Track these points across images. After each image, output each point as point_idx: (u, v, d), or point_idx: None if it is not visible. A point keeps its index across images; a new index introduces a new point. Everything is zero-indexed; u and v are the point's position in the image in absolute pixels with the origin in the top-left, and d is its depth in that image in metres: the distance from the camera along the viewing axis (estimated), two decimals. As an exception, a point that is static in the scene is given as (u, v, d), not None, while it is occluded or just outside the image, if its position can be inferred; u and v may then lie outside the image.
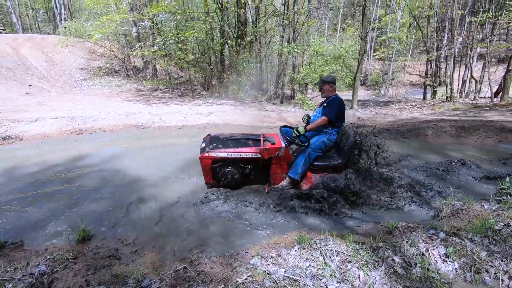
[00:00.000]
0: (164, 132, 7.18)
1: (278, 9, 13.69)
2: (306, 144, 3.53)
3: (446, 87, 12.99)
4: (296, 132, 3.49)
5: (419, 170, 4.56)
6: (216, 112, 8.98)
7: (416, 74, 26.07)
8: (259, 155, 3.47)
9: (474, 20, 12.61)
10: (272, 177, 3.68)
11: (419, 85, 23.76)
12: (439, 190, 3.84)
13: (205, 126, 7.65)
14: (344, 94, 21.38)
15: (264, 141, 3.64)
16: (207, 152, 3.42)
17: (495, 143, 6.04)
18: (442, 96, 13.84)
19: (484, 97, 12.34)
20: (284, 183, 3.63)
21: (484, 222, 2.46)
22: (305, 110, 10.73)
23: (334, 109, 3.52)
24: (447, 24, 14.98)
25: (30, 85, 12.14)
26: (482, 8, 11.99)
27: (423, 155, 5.43)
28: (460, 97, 13.19)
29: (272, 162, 3.60)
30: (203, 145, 3.64)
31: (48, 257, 2.21)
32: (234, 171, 3.52)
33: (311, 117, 3.90)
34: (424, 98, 16.15)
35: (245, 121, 8.24)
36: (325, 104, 3.63)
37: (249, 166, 3.59)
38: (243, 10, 11.67)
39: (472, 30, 13.42)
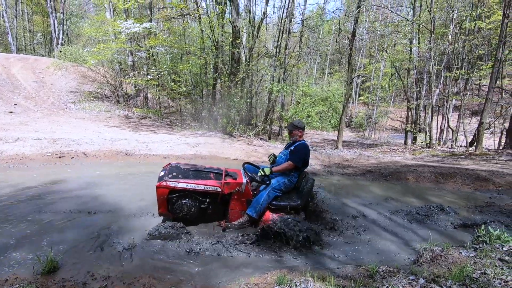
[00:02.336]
0: (149, 160, 7.08)
1: (270, 51, 14.54)
2: (267, 182, 3.55)
3: (425, 134, 13.68)
4: (262, 172, 3.53)
5: (400, 213, 4.63)
6: (204, 144, 9.01)
7: (397, 120, 27.43)
8: (219, 189, 3.39)
9: (449, 75, 13.72)
10: (230, 213, 3.56)
11: (400, 130, 24.88)
12: (419, 234, 3.89)
13: (192, 157, 7.62)
14: (330, 135, 22.09)
15: (226, 175, 3.59)
16: (165, 181, 3.26)
17: (471, 191, 6.26)
18: (422, 142, 14.49)
19: (460, 146, 13.01)
20: (241, 220, 3.53)
21: (462, 270, 2.48)
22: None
23: (301, 155, 3.65)
24: (425, 77, 16.19)
25: (16, 104, 11.94)
26: (455, 65, 13.13)
27: (404, 198, 5.54)
28: (439, 144, 13.84)
29: (232, 198, 3.51)
30: (162, 173, 3.49)
31: (7, 289, 2.04)
32: (191, 204, 3.35)
33: (277, 157, 3.98)
34: (405, 143, 16.83)
35: (232, 155, 8.27)
36: (292, 148, 3.73)
37: (208, 200, 3.45)
38: (237, 49, 12.30)
39: (447, 84, 14.54)
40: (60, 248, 2.85)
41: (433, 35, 12.71)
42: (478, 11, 12.79)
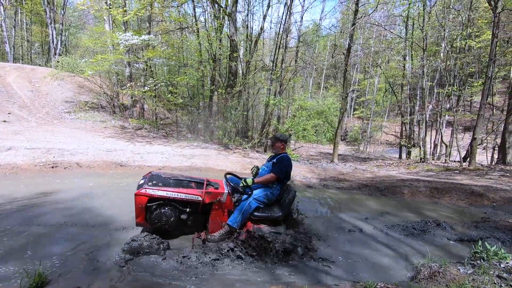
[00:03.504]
0: (144, 171, 6.97)
1: (267, 65, 14.74)
2: (249, 193, 3.53)
3: (420, 149, 13.83)
4: (244, 182, 3.52)
5: (396, 228, 4.60)
6: (199, 156, 8.95)
7: (392, 134, 27.74)
8: (199, 198, 3.31)
9: (442, 91, 14.03)
10: (210, 224, 3.46)
11: (395, 145, 25.12)
12: (416, 249, 3.86)
13: (187, 169, 7.55)
14: (325, 148, 22.18)
15: (207, 185, 3.55)
16: (145, 188, 3.18)
17: (466, 206, 6.27)
18: (416, 156, 14.62)
19: (454, 161, 13.14)
20: (222, 231, 3.44)
21: (460, 287, 2.44)
22: (288, 160, 10.92)
23: (283, 167, 3.68)
24: (418, 93, 16.53)
25: (10, 113, 11.83)
26: (448, 82, 13.45)
27: (400, 212, 5.52)
28: (433, 159, 13.98)
29: (213, 208, 3.43)
30: (142, 181, 3.41)
31: (-8, 305, 1.95)
32: (170, 213, 3.23)
33: (260, 170, 3.99)
34: (400, 157, 16.96)
35: (228, 167, 8.22)
36: (274, 161, 3.76)
37: (188, 210, 3.36)
38: (235, 63, 12.46)
39: (440, 99, 14.85)
40: (49, 262, 2.76)
41: (425, 52, 13.06)
42: (468, 31, 13.23)
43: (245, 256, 3.16)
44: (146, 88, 12.07)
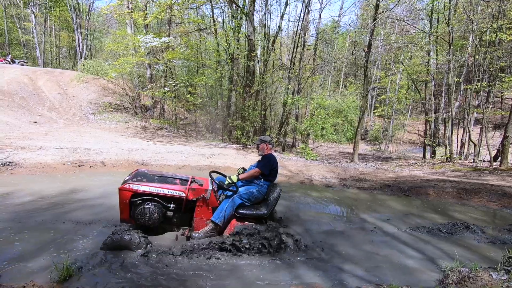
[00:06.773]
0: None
1: (285, 63, 14.65)
2: (234, 190, 3.54)
3: (446, 148, 13.20)
4: (229, 179, 3.53)
5: (422, 229, 4.41)
6: (218, 155, 9.04)
7: (415, 133, 26.72)
8: (183, 194, 3.31)
9: (469, 87, 13.32)
10: (195, 221, 3.44)
11: (418, 144, 24.18)
12: (443, 252, 3.68)
13: (206, 168, 7.63)
14: (345, 147, 21.74)
15: (192, 182, 3.55)
16: (128, 183, 3.19)
17: (498, 208, 5.92)
18: (442, 156, 13.98)
19: (483, 161, 12.45)
20: (206, 229, 3.41)
21: (493, 294, 2.30)
22: (306, 159, 10.80)
23: (267, 163, 3.82)
24: (444, 89, 15.80)
25: (40, 115, 12.49)
26: (476, 77, 12.74)
27: (425, 214, 5.30)
28: (460, 159, 13.31)
29: (197, 205, 3.41)
30: (127, 178, 3.44)
31: (24, 296, 2.05)
32: (154, 209, 3.20)
33: (246, 170, 4.01)
34: (424, 157, 16.30)
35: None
36: (260, 159, 3.95)
37: (172, 206, 3.34)
38: (252, 62, 12.47)
39: (467, 96, 14.11)
40: (76, 257, 2.87)
41: (451, 47, 12.46)
42: (499, 23, 12.46)
43: (264, 253, 3.15)
44: (166, 89, 12.35)
